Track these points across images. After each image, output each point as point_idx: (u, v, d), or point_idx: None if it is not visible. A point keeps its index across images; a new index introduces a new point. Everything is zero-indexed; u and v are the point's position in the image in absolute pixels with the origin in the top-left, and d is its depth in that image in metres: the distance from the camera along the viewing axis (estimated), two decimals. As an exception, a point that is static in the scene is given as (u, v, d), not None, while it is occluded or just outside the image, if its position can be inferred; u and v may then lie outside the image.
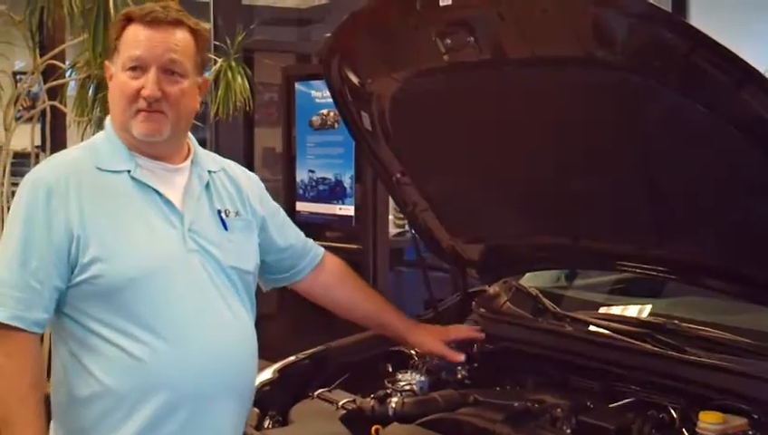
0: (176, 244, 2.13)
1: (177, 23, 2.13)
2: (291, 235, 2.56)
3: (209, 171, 2.28)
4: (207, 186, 2.25)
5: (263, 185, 2.50)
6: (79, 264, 2.04)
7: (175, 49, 2.11)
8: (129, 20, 2.13)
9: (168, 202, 2.15)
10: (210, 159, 2.34)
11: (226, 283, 2.19)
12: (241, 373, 2.23)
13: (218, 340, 2.13)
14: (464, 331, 2.83)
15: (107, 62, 2.20)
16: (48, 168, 2.14)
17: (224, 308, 2.17)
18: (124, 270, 2.05)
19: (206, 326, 2.12)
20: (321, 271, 2.65)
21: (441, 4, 2.29)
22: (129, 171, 2.13)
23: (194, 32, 2.16)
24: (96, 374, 2.06)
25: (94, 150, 2.17)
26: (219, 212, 2.24)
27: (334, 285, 2.67)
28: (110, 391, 2.06)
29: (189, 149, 2.27)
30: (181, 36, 2.13)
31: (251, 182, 2.43)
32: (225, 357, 2.14)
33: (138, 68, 2.09)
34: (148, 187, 2.13)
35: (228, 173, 2.36)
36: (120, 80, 2.11)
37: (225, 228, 2.23)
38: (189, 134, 2.28)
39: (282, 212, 2.56)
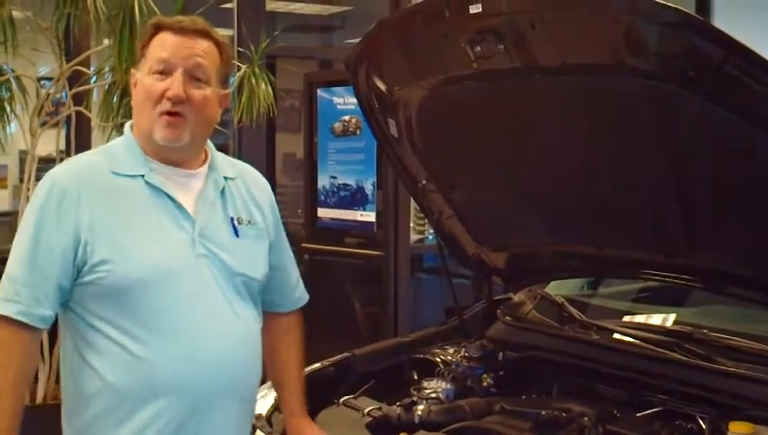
0: (185, 247, 2.14)
1: (204, 33, 2.17)
2: (285, 258, 2.45)
3: (226, 177, 2.28)
4: (222, 192, 2.25)
5: (273, 196, 2.45)
6: (87, 264, 2.07)
7: (201, 55, 2.14)
8: (158, 28, 2.18)
9: (179, 207, 2.16)
10: (228, 165, 2.34)
11: (234, 288, 2.20)
12: (244, 378, 2.23)
13: (223, 344, 2.14)
14: None
15: (133, 70, 2.23)
16: (64, 171, 2.17)
17: (229, 313, 2.18)
18: (131, 271, 2.06)
19: (211, 330, 2.13)
20: (287, 318, 2.51)
21: (471, 11, 2.30)
22: (143, 176, 2.15)
23: (219, 44, 2.20)
24: (99, 371, 2.09)
25: (111, 155, 2.20)
26: (232, 219, 2.24)
27: (282, 337, 2.50)
28: (113, 388, 2.08)
29: (207, 155, 2.28)
30: (207, 45, 2.16)
31: (267, 190, 2.42)
32: (228, 361, 2.15)
33: (164, 71, 2.12)
34: (162, 191, 2.15)
35: (245, 180, 2.35)
36: (145, 83, 2.14)
37: (237, 235, 2.24)
38: (208, 141, 2.29)
39: (283, 232, 2.46)
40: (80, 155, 2.35)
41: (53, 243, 2.06)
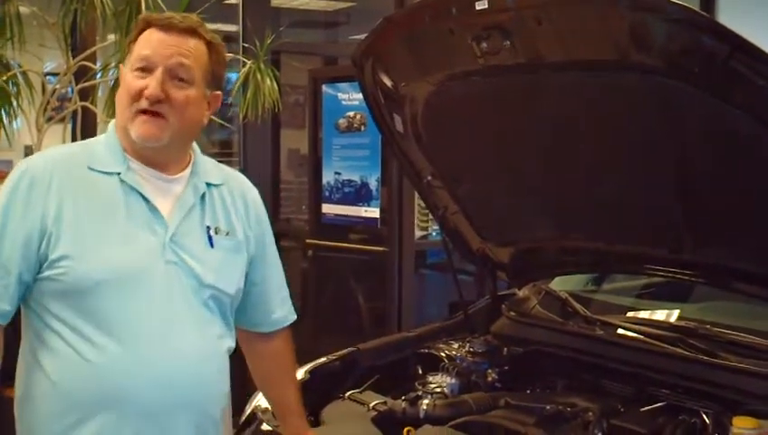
0: (154, 252, 2.05)
1: (192, 31, 2.08)
2: (268, 274, 2.34)
3: (209, 184, 2.18)
4: (203, 198, 2.16)
5: (263, 208, 2.35)
6: (48, 259, 1.99)
7: (185, 54, 2.06)
8: (147, 24, 2.10)
9: (154, 209, 2.07)
10: (215, 170, 2.24)
11: (201, 302, 2.10)
12: (202, 398, 2.11)
13: (179, 359, 2.03)
14: None
15: (121, 65, 2.17)
16: (40, 159, 2.10)
17: (191, 327, 2.07)
18: (89, 271, 1.98)
19: (169, 343, 2.03)
20: (274, 341, 2.41)
21: (477, 8, 2.30)
22: (119, 174, 2.07)
23: (209, 44, 2.11)
24: (48, 372, 2.01)
25: (90, 150, 2.12)
26: (208, 228, 2.14)
27: (271, 363, 2.43)
28: (61, 392, 2.00)
29: (190, 159, 2.19)
30: (194, 44, 2.08)
31: (255, 201, 2.31)
32: (183, 379, 2.04)
33: (145, 69, 2.04)
34: (137, 192, 2.07)
35: (232, 188, 2.25)
36: (126, 80, 2.07)
37: (211, 245, 2.13)
38: (194, 144, 2.21)
39: (272, 247, 2.36)
40: (60, 145, 2.26)
41: (18, 234, 1.98)
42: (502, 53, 2.37)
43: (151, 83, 2.02)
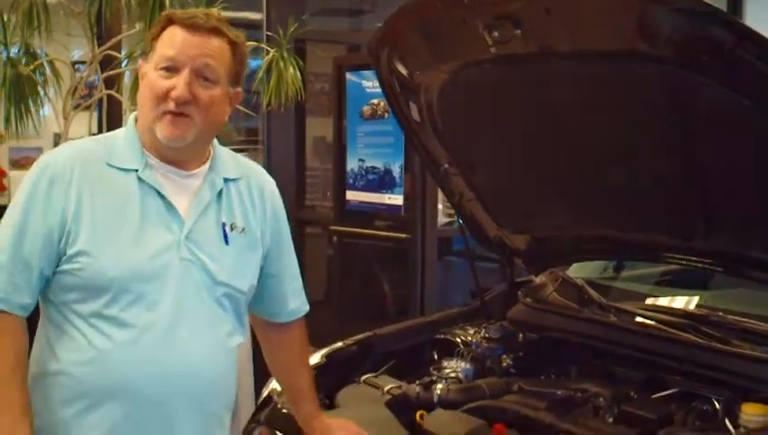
0: (168, 250, 2.07)
1: (216, 30, 2.08)
2: (282, 267, 2.36)
3: (227, 179, 2.20)
4: (220, 194, 2.18)
5: (281, 201, 2.37)
6: (66, 254, 2.03)
7: (210, 54, 2.06)
8: (169, 21, 2.09)
9: (170, 207, 2.09)
10: (233, 164, 2.25)
11: (214, 299, 2.13)
12: (206, 391, 2.13)
13: (183, 353, 2.06)
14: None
15: (141, 61, 2.18)
16: (60, 156, 2.12)
17: (203, 324, 2.10)
18: (105, 268, 2.01)
19: (176, 337, 2.05)
20: (289, 332, 2.45)
21: (488, -3, 2.33)
22: (136, 171, 2.09)
23: (232, 43, 2.11)
24: (60, 358, 2.04)
25: (109, 145, 2.13)
26: (224, 225, 2.16)
27: (287, 352, 2.47)
28: (69, 378, 2.03)
29: (209, 154, 2.20)
30: (218, 44, 2.08)
31: (273, 194, 2.33)
32: (189, 371, 2.07)
33: (171, 68, 2.04)
34: (153, 189, 2.09)
35: (250, 183, 2.26)
36: (150, 78, 2.07)
37: (227, 242, 2.16)
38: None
39: (288, 240, 2.38)
40: (79, 140, 2.28)
41: (39, 230, 2.01)
42: (513, 42, 2.38)
43: (179, 85, 2.03)
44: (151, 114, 2.07)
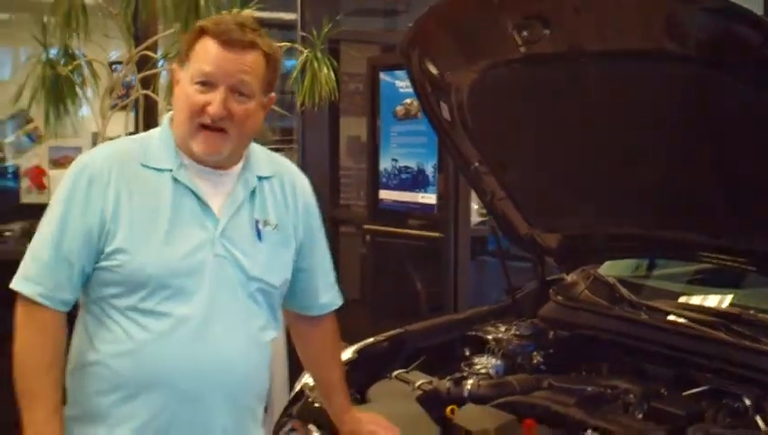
0: (203, 247, 2.11)
1: (252, 45, 2.09)
2: (315, 262, 2.38)
3: (260, 177, 2.23)
4: (253, 192, 2.21)
5: (314, 198, 2.39)
6: (104, 252, 2.06)
7: (245, 71, 2.08)
8: (203, 32, 2.09)
9: (204, 205, 2.13)
10: (266, 161, 2.27)
11: (248, 295, 2.17)
12: (242, 386, 2.17)
13: (220, 347, 2.11)
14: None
15: (175, 65, 2.20)
16: (97, 156, 2.15)
17: (237, 319, 2.14)
18: (142, 265, 2.05)
19: (214, 334, 2.10)
20: (321, 325, 2.47)
21: (517, -4, 2.35)
22: (171, 171, 2.12)
23: (266, 55, 2.12)
24: (98, 350, 2.09)
25: (145, 145, 2.17)
26: (257, 222, 2.19)
27: (319, 345, 2.49)
28: (107, 369, 2.07)
29: (243, 155, 2.22)
30: (253, 58, 2.09)
31: (305, 191, 2.35)
32: (223, 366, 2.11)
33: (206, 84, 2.06)
34: (188, 188, 2.12)
35: (283, 180, 2.29)
36: (186, 91, 2.09)
37: (260, 239, 2.19)
38: None
39: (320, 235, 2.39)
40: (115, 141, 2.32)
41: (79, 229, 2.06)
42: (542, 42, 2.40)
43: (215, 101, 2.05)
44: (187, 125, 2.10)
